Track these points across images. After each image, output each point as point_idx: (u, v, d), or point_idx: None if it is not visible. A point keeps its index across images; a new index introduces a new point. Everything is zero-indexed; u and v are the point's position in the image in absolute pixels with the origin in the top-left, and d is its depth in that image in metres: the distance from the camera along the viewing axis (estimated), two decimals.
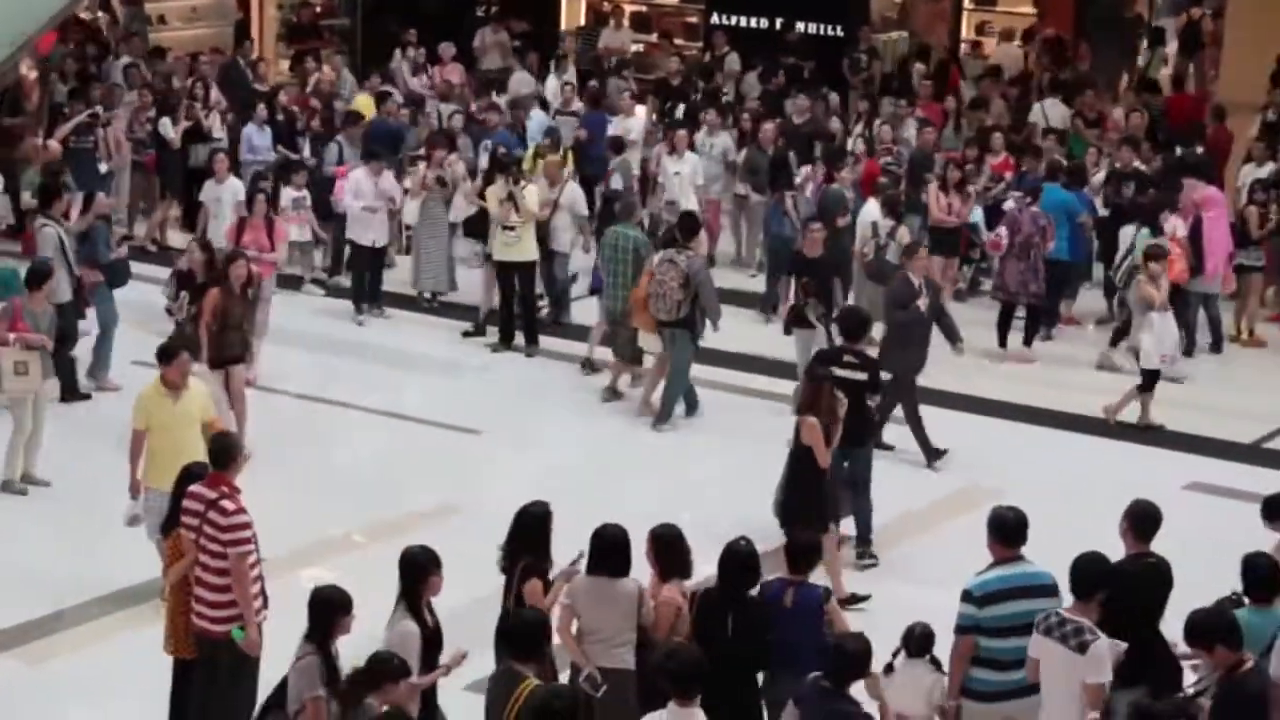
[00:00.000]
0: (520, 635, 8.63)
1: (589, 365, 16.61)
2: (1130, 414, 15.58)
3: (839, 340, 13.25)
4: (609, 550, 9.24)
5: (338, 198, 18.23)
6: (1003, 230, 17.26)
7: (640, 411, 15.52)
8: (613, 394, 16.03)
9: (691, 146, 19.38)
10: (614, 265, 15.96)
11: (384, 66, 23.00)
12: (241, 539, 9.44)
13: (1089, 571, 8.83)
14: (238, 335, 14.20)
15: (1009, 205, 18.03)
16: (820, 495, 11.89)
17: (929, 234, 18.38)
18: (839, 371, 12.61)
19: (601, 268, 16.25)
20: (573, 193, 17.57)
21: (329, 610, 8.62)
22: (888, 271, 16.45)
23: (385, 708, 8.12)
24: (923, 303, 14.40)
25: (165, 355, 11.73)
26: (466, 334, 17.54)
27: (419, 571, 9.01)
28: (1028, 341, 17.58)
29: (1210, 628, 8.42)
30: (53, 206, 15.47)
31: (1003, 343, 17.50)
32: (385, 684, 8.22)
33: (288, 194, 18.05)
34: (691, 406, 15.53)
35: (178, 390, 11.55)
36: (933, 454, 14.44)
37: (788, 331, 15.40)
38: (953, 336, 14.93)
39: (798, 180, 18.62)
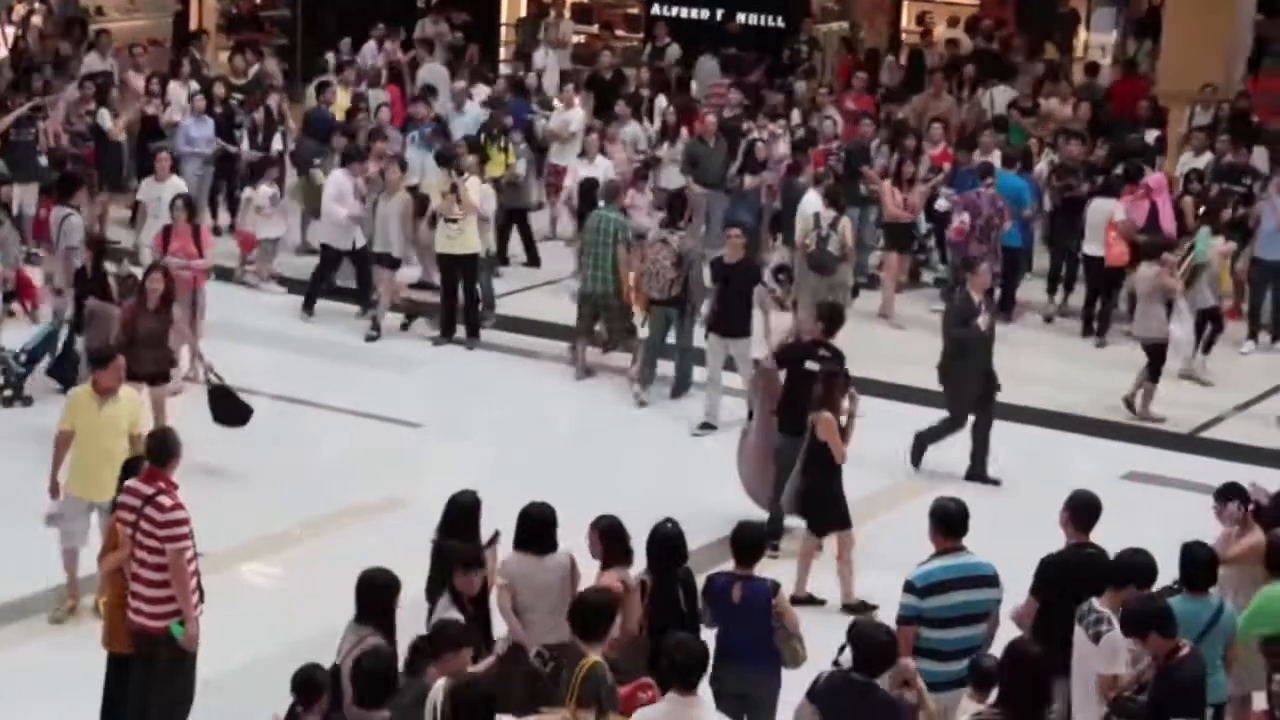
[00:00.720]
0: (586, 616, 8.53)
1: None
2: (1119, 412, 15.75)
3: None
4: (536, 528, 9.34)
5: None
6: (966, 217, 17.46)
7: (638, 392, 15.74)
8: (586, 373, 16.33)
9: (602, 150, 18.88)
10: (595, 248, 16.01)
11: (350, 58, 22.67)
12: (179, 535, 9.37)
13: (1130, 564, 8.97)
14: (151, 353, 13.42)
15: (941, 204, 18.31)
16: (836, 492, 11.92)
17: (884, 230, 18.48)
18: (811, 365, 12.63)
19: (583, 250, 16.33)
20: (485, 193, 17.21)
21: (387, 593, 8.63)
22: (829, 263, 16.60)
23: (443, 678, 8.02)
24: (983, 320, 14.09)
25: (100, 360, 11.49)
26: (404, 326, 17.50)
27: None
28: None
29: (1145, 616, 8.47)
30: (74, 196, 15.99)
31: None
32: (445, 653, 8.14)
33: (263, 191, 17.96)
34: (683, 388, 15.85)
35: (108, 397, 11.23)
36: (980, 474, 14.07)
37: (706, 335, 15.13)
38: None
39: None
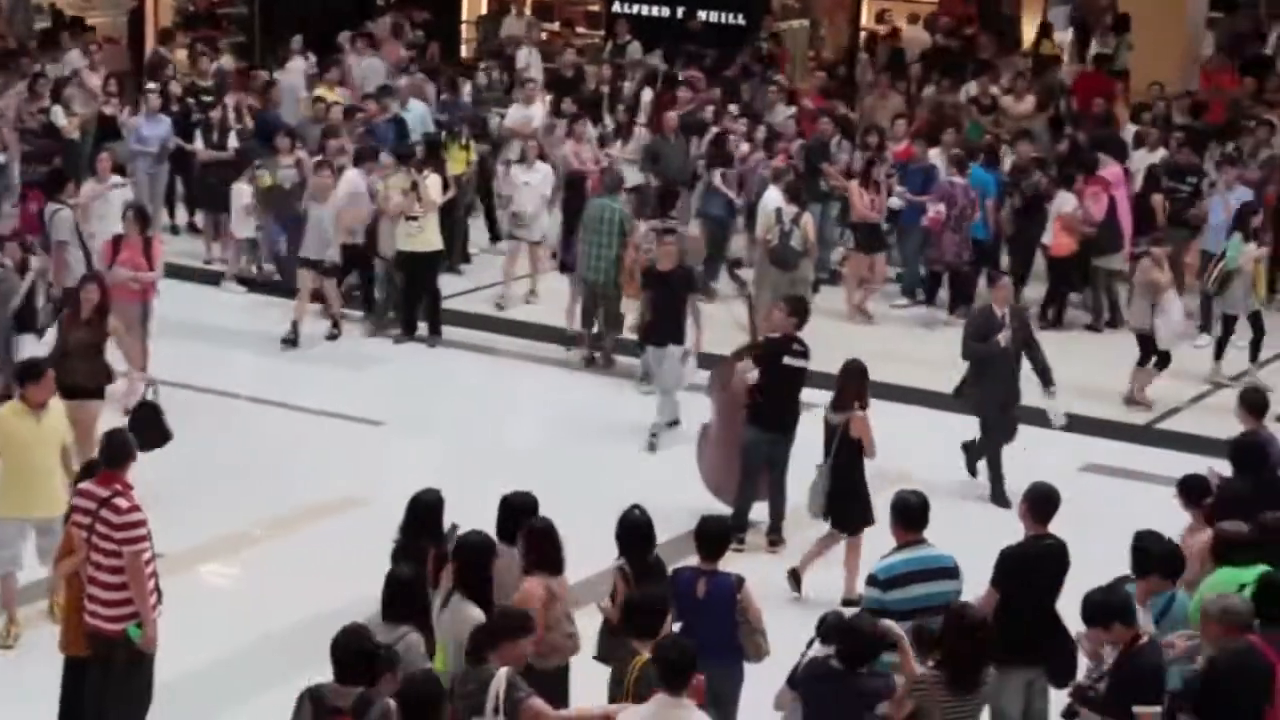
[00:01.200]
0: (639, 615, 8.47)
1: (569, 341, 16.90)
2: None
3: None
4: (517, 517, 9.39)
5: None
6: (941, 206, 17.69)
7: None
8: (589, 361, 16.54)
9: (543, 155, 18.43)
10: (597, 237, 16.18)
11: (333, 56, 22.53)
12: (136, 536, 9.29)
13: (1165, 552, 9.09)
14: (85, 366, 12.75)
15: (894, 202, 18.44)
16: (864, 489, 11.92)
17: (853, 231, 18.49)
18: (787, 360, 12.65)
19: (583, 239, 16.40)
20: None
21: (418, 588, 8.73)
22: (791, 258, 16.62)
23: (505, 668, 8.01)
24: (1004, 336, 13.54)
25: (30, 373, 11.09)
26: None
27: (485, 557, 8.95)
28: (953, 309, 18.17)
29: (1106, 607, 8.50)
30: (64, 190, 15.83)
31: (954, 308, 18.18)
32: (504, 641, 8.11)
33: (247, 189, 17.92)
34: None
35: (39, 411, 10.89)
36: (1000, 497, 13.52)
37: (641, 347, 15.08)
38: (1045, 376, 13.87)
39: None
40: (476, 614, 8.63)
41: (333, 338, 16.97)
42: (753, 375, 12.69)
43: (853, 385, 11.95)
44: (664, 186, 17.38)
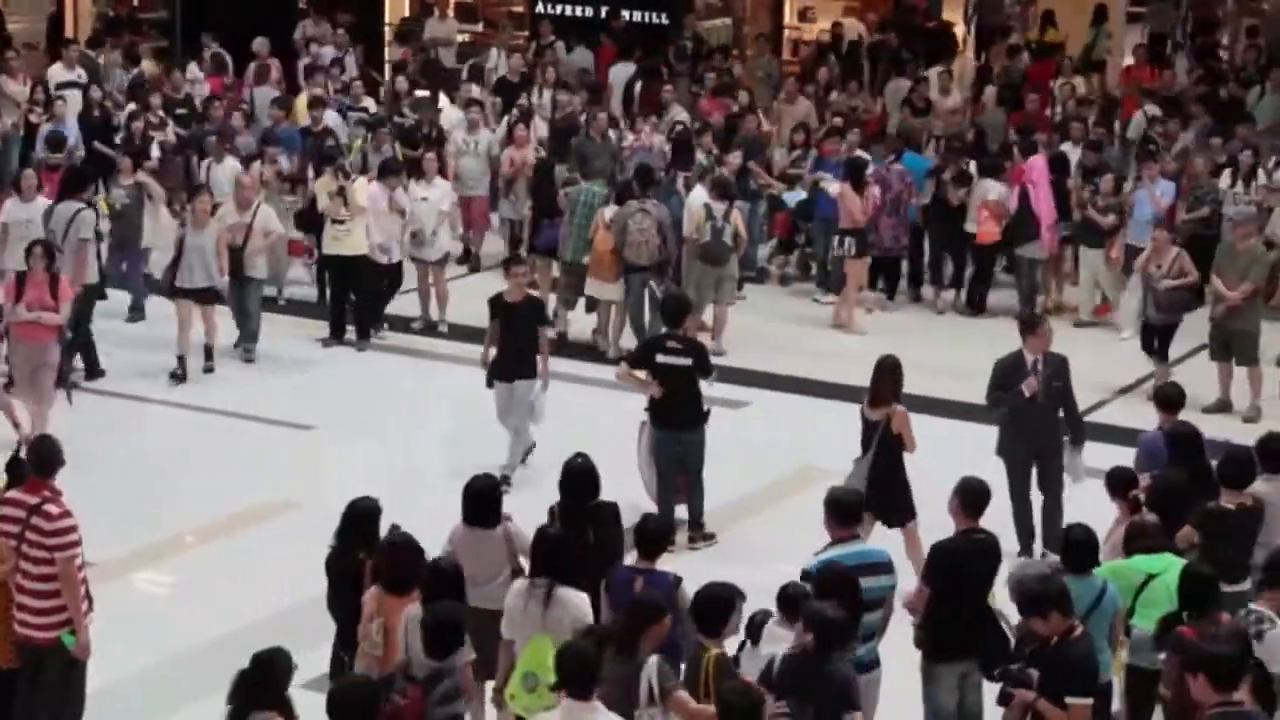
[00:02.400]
0: (708, 611, 8.44)
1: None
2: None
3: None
4: (480, 502, 9.53)
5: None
6: (877, 190, 17.94)
7: (615, 353, 16.40)
8: (562, 338, 16.91)
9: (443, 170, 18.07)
10: (577, 219, 16.94)
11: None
12: (69, 543, 9.22)
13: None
14: None
15: (787, 196, 18.71)
16: (905, 481, 11.96)
17: (846, 236, 18.14)
18: (662, 359, 12.67)
19: (566, 222, 17.05)
20: (265, 214, 16.41)
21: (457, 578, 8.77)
22: (724, 253, 16.74)
23: (656, 656, 8.12)
24: (1029, 385, 12.30)
25: None
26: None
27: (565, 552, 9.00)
28: (891, 294, 18.69)
29: (1043, 596, 8.53)
30: (85, 190, 16.00)
31: (892, 293, 18.79)
32: (651, 626, 8.25)
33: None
34: None
35: None
36: (1026, 544, 12.54)
37: (489, 384, 13.87)
38: (1076, 432, 12.57)
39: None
40: (583, 601, 8.81)
41: (208, 370, 16.00)
42: (654, 389, 12.73)
43: (887, 381, 12.02)
44: (641, 166, 17.60)
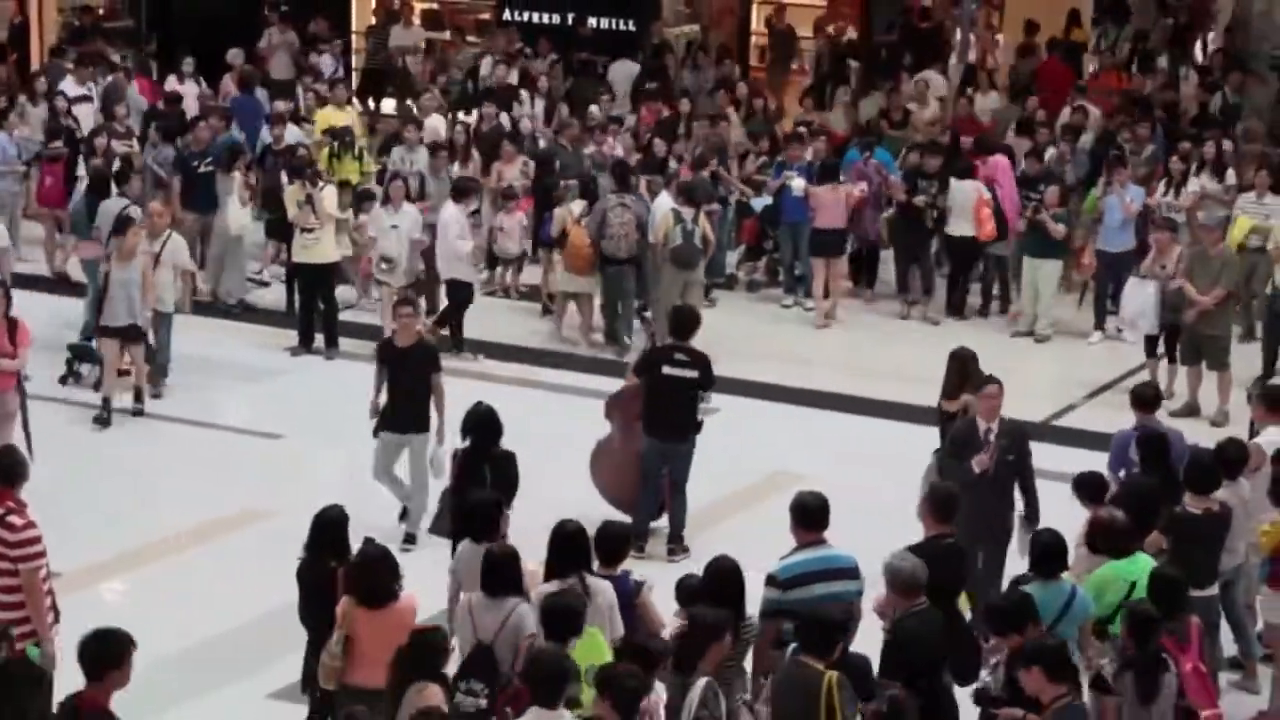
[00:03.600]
0: (818, 632, 8.36)
1: (547, 309, 18.01)
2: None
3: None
4: (481, 519, 9.55)
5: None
6: (863, 185, 18.29)
7: (589, 343, 17.15)
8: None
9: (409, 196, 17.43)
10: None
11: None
12: (33, 553, 9.18)
13: None
14: None
15: (755, 202, 18.91)
16: None
17: (811, 238, 18.30)
18: (668, 370, 12.67)
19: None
20: (175, 245, 15.75)
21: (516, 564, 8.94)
22: (694, 258, 16.76)
23: (704, 679, 8.17)
24: (980, 461, 11.02)
25: None
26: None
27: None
28: (870, 284, 19.04)
29: (1014, 612, 8.53)
30: (130, 186, 16.70)
31: (872, 283, 19.13)
32: (712, 645, 8.32)
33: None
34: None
35: None
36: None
37: (376, 434, 12.85)
38: (1030, 511, 11.20)
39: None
40: (609, 587, 9.01)
41: (137, 413, 15.17)
42: (630, 379, 12.90)
43: (964, 372, 12.17)
44: (617, 161, 17.95)
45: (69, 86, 21.31)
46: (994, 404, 11.26)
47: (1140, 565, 9.49)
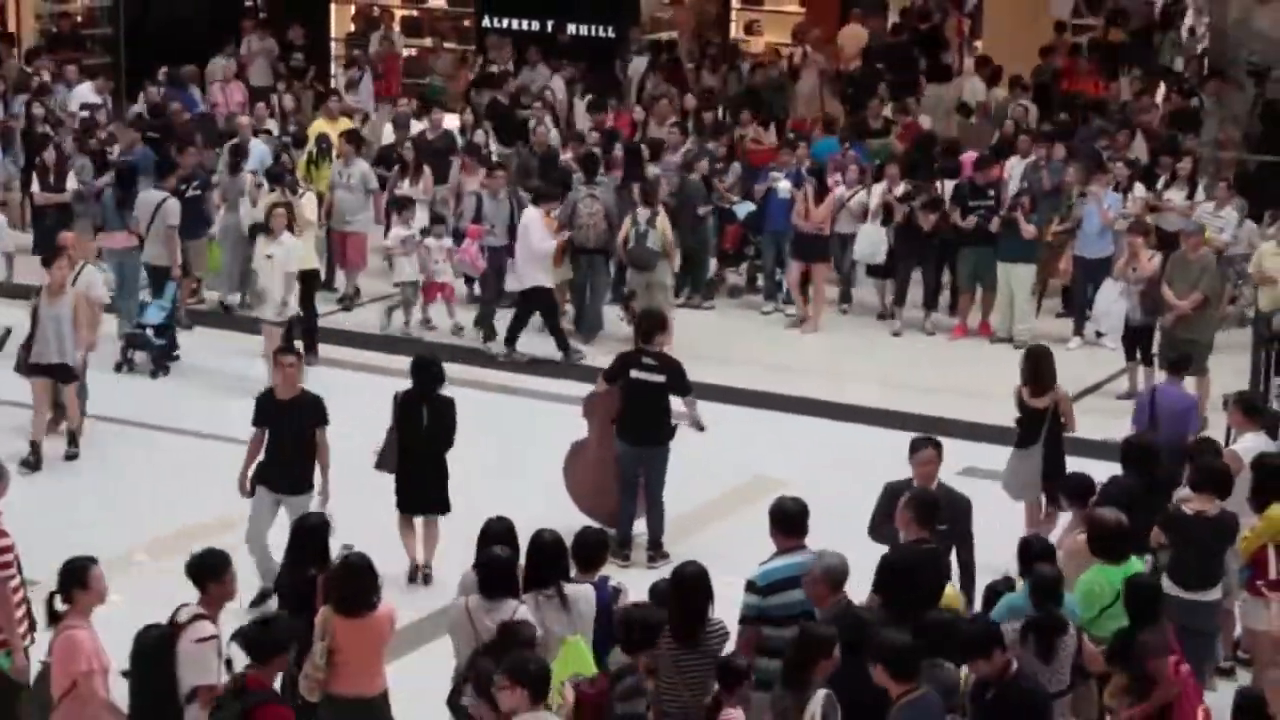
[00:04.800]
0: (901, 655, 8.19)
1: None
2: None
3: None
4: (499, 540, 9.38)
5: (463, 257, 17.19)
6: (838, 176, 18.52)
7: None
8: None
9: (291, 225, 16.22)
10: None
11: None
12: (2, 563, 9.13)
13: None
14: None
15: (738, 208, 18.87)
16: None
17: (794, 242, 18.24)
18: (636, 374, 12.66)
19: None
20: (89, 278, 14.92)
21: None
22: (649, 259, 16.89)
23: (824, 690, 8.18)
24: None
25: None
26: None
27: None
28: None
29: (984, 637, 8.44)
30: (167, 180, 17.31)
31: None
32: (821, 659, 8.42)
33: (396, 233, 17.31)
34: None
35: None
36: None
37: (251, 490, 12.03)
38: (966, 583, 10.42)
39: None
40: (589, 590, 9.12)
41: (71, 457, 14.46)
42: (600, 386, 12.93)
43: (1035, 369, 12.44)
44: (585, 153, 18.51)
45: (84, 92, 21.33)
46: (928, 470, 10.37)
47: (1129, 570, 9.52)
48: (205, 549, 8.80)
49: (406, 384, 12.41)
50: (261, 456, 11.88)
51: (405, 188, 18.47)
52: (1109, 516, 9.74)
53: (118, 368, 16.49)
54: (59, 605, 8.54)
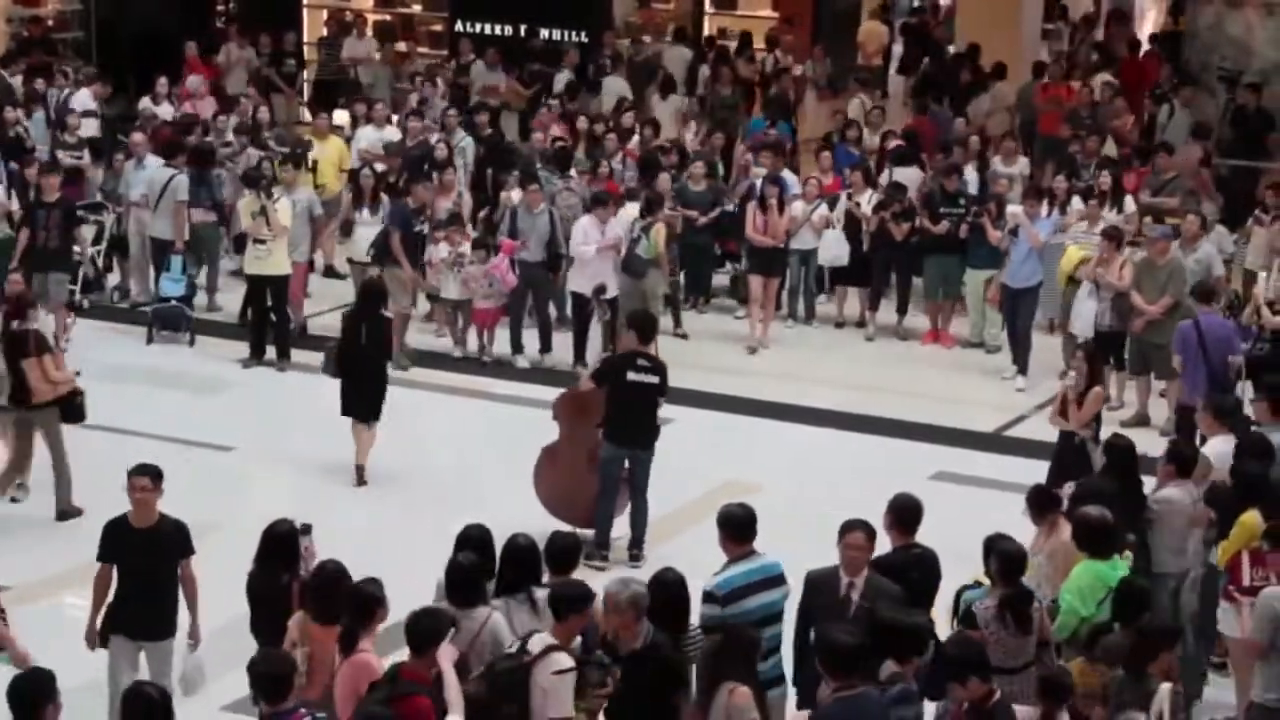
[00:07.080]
0: (836, 653, 8.16)
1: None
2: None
3: None
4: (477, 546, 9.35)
5: (495, 271, 16.85)
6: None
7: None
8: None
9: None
10: None
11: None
12: None
13: None
14: None
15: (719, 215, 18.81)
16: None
17: (750, 255, 18.20)
18: (633, 376, 12.66)
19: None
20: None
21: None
22: (639, 267, 16.84)
23: (1167, 684, 8.50)
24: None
25: None
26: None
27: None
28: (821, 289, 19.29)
29: (964, 660, 8.31)
30: (175, 159, 18.26)
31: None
32: (1164, 653, 8.80)
33: (440, 249, 17.02)
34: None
35: None
36: None
37: (103, 642, 10.27)
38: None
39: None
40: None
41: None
42: (586, 384, 12.97)
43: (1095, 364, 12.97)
44: (558, 147, 19.00)
45: (83, 100, 21.27)
46: (857, 556, 9.06)
47: (1118, 570, 9.59)
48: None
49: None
50: (111, 598, 9.88)
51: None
52: (1094, 513, 9.79)
53: (149, 340, 17.50)
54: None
